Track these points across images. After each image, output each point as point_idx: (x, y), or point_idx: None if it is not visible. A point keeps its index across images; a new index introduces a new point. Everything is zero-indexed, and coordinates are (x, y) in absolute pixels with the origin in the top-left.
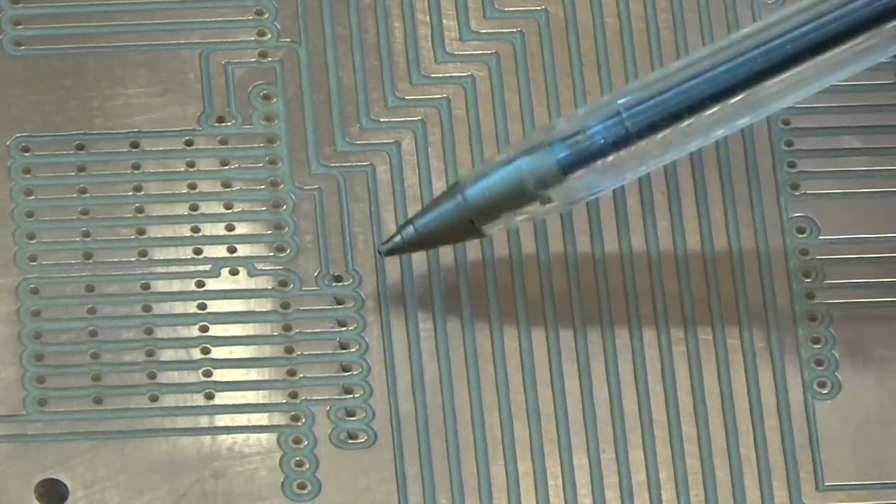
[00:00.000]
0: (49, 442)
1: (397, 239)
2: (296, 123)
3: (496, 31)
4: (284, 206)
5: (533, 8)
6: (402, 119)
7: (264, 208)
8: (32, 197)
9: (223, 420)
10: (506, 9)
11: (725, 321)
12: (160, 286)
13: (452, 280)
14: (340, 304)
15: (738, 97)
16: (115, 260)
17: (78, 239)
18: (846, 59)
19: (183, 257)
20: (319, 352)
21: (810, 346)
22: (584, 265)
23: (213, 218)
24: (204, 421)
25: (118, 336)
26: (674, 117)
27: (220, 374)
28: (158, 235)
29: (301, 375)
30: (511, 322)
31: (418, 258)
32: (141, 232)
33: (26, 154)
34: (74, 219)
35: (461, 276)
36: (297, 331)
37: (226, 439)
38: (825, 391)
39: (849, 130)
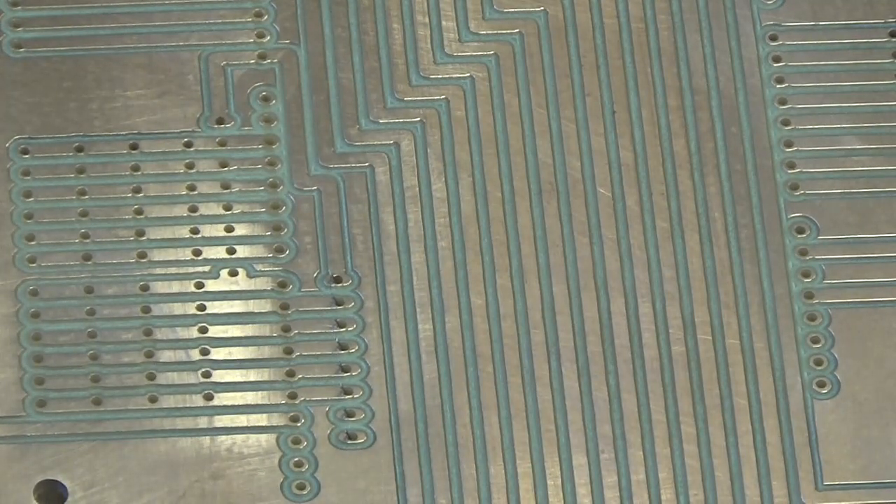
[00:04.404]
0: (48, 443)
1: None
2: (295, 125)
3: (495, 32)
4: (283, 208)
5: (532, 9)
6: (401, 120)
7: (263, 210)
8: (32, 199)
9: (222, 421)
10: (505, 10)
11: (725, 321)
12: (159, 287)
13: (451, 281)
14: (339, 305)
15: None
16: (115, 261)
17: (77, 240)
18: None
19: (182, 258)
20: (318, 353)
21: (809, 346)
22: (583, 265)
23: (213, 219)
24: (203, 422)
25: (117, 337)
26: None
27: (219, 375)
28: (158, 237)
29: (300, 376)
30: (510, 323)
31: (417, 258)
32: (140, 233)
33: (26, 156)
34: (74, 220)
35: (460, 277)
36: (296, 332)
37: (225, 440)
38: (824, 391)
39: (848, 131)
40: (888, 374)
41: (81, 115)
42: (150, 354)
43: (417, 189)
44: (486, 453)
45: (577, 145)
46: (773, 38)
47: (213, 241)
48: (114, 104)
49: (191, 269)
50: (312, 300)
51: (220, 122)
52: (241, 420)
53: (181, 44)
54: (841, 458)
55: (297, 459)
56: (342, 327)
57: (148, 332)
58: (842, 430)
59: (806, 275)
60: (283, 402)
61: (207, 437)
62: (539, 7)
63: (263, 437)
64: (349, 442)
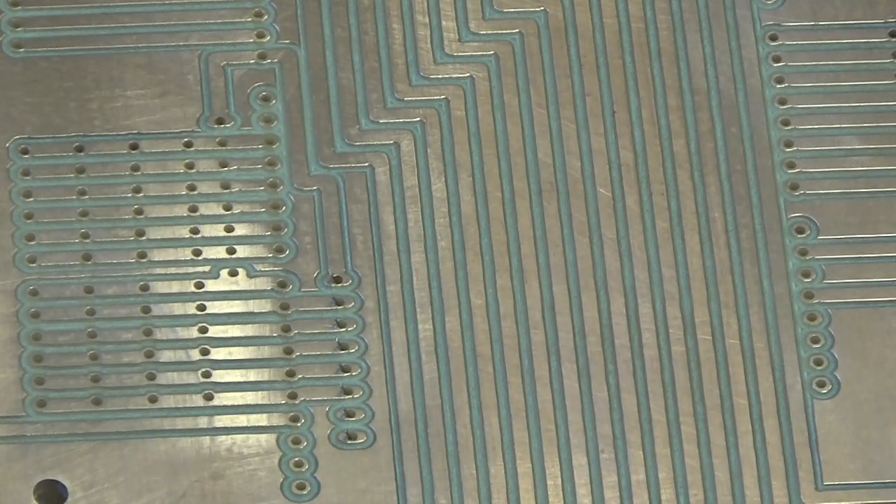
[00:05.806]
0: (48, 443)
1: None
2: (295, 125)
3: (495, 32)
4: (283, 208)
5: (532, 9)
6: (401, 120)
7: (263, 210)
8: (32, 199)
9: (222, 421)
10: (505, 10)
11: (725, 321)
12: (159, 287)
13: (451, 281)
14: (339, 305)
15: None
16: (115, 261)
17: (77, 240)
18: None
19: (182, 258)
20: (318, 353)
21: (809, 346)
22: (583, 265)
23: (213, 219)
24: (203, 422)
25: (117, 337)
26: None
27: (219, 375)
28: (157, 237)
29: (300, 376)
30: (510, 323)
31: (417, 258)
32: (140, 233)
33: (25, 156)
34: (74, 220)
35: (460, 277)
36: (296, 332)
37: (225, 440)
38: (824, 391)
39: (848, 131)
40: (888, 374)
41: (81, 115)
42: (150, 354)
43: (417, 189)
44: (486, 453)
45: (577, 145)
46: (773, 38)
47: (213, 241)
48: (114, 104)
49: (191, 269)
50: (312, 300)
51: (220, 122)
52: (241, 420)
53: (181, 44)
54: (841, 458)
55: (297, 459)
56: (342, 327)
57: (148, 332)
58: (842, 430)
59: (806, 275)
60: (283, 402)
61: (207, 437)
62: (539, 7)
63: (263, 437)
64: (349, 442)
